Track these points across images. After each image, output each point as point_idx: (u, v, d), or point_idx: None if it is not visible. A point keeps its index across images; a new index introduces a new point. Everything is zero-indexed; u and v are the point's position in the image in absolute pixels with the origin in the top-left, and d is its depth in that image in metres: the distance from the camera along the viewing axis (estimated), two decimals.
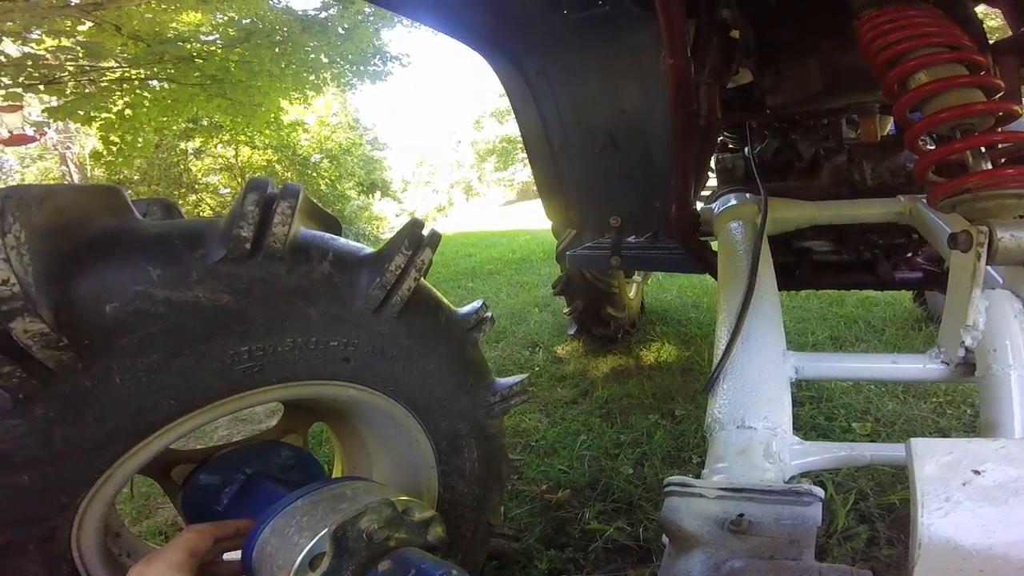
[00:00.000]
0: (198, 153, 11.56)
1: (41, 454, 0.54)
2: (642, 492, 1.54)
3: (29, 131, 6.58)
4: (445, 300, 0.87)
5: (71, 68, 4.92)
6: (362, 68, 7.70)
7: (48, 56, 4.87)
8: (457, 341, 0.89)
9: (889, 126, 1.81)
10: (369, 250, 0.74)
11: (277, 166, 11.99)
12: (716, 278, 1.49)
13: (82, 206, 0.52)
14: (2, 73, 4.52)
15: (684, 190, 1.44)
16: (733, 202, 1.52)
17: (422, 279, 0.78)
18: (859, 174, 1.57)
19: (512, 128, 33.01)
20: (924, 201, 1.30)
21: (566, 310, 2.58)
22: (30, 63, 4.48)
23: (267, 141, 11.42)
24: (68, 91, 5.01)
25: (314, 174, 12.71)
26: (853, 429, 1.78)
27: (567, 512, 1.50)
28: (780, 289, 1.16)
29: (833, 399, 1.98)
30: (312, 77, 7.43)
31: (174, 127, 9.05)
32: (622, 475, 1.62)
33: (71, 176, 15.07)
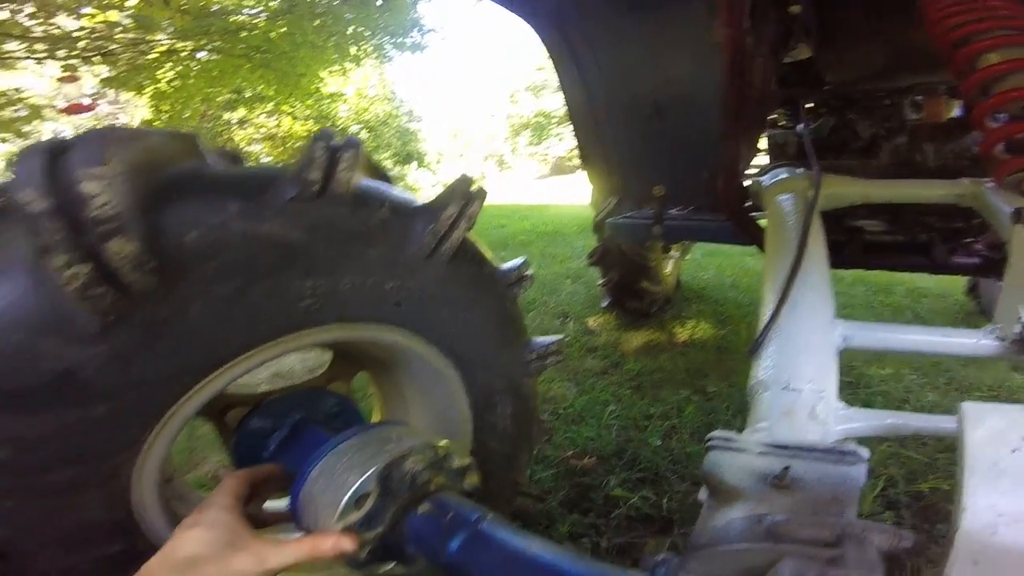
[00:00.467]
0: (241, 123, 11.86)
1: (119, 385, 0.56)
2: (669, 464, 1.55)
3: (85, 101, 6.89)
4: (489, 254, 0.90)
5: (123, 40, 5.09)
6: (400, 40, 7.70)
7: (102, 29, 5.04)
8: (499, 295, 0.91)
9: (956, 110, 1.74)
10: (423, 200, 0.76)
11: None
12: (762, 250, 1.50)
13: (166, 148, 0.56)
14: (60, 46, 4.71)
15: (733, 162, 1.43)
16: (784, 176, 1.50)
17: (470, 231, 0.80)
18: (920, 155, 1.55)
19: (547, 103, 32.50)
20: (988, 185, 1.27)
21: (600, 281, 2.57)
22: (84, 36, 4.66)
23: (308, 112, 11.60)
24: (120, 63, 5.20)
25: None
26: None
27: (592, 479, 1.52)
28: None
29: (872, 386, 1.93)
30: (353, 49, 7.49)
31: (219, 98, 9.31)
32: (650, 446, 1.64)
33: None
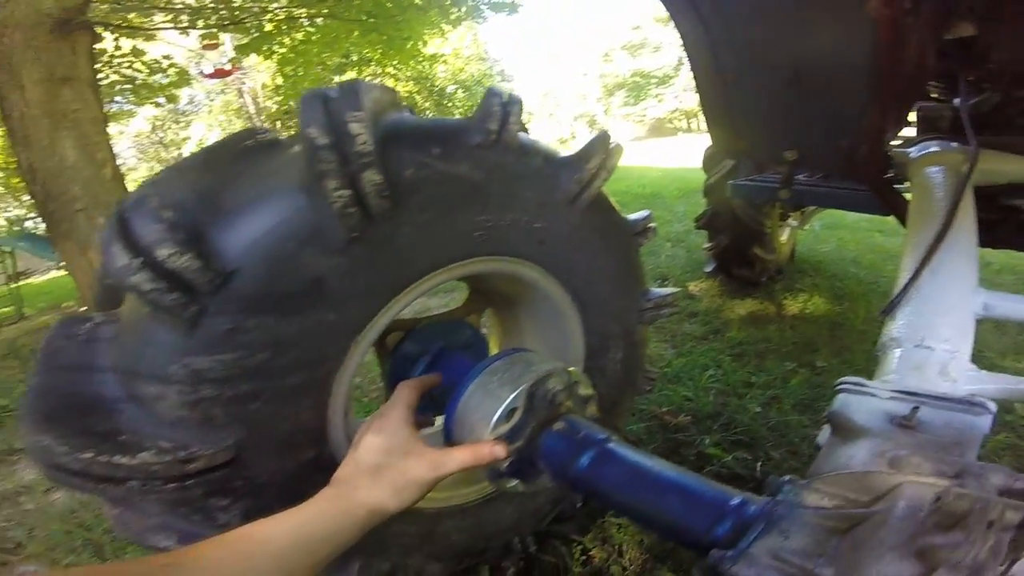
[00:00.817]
0: None
1: (348, 293, 0.64)
2: (767, 431, 1.54)
3: (227, 66, 7.67)
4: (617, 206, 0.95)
5: (251, 9, 5.54)
6: (496, 0, 7.61)
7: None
8: (625, 243, 0.97)
9: None
10: (568, 152, 0.85)
11: (417, 97, 12.60)
12: (900, 220, 1.51)
13: (385, 99, 0.68)
14: (202, 15, 5.22)
15: (880, 132, 1.38)
16: (935, 148, 1.46)
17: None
18: None
19: (645, 62, 30.65)
20: None
21: (707, 245, 2.51)
22: (221, 5, 5.14)
23: (409, 73, 11.97)
24: (252, 30, 5.69)
25: (450, 104, 13.18)
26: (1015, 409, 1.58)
27: (685, 436, 1.55)
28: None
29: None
30: (454, 10, 7.55)
31: (330, 62, 9.89)
32: (748, 412, 1.63)
33: (248, 107, 17.33)
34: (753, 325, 2.21)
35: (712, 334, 2.18)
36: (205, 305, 0.55)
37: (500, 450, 0.66)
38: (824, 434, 0.69)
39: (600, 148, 0.83)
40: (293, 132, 0.66)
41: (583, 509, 1.31)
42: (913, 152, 1.48)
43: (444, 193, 0.69)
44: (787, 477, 0.56)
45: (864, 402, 0.61)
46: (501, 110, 0.70)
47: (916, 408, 0.56)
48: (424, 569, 0.96)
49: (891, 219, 3.70)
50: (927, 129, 1.68)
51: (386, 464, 0.58)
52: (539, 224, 0.81)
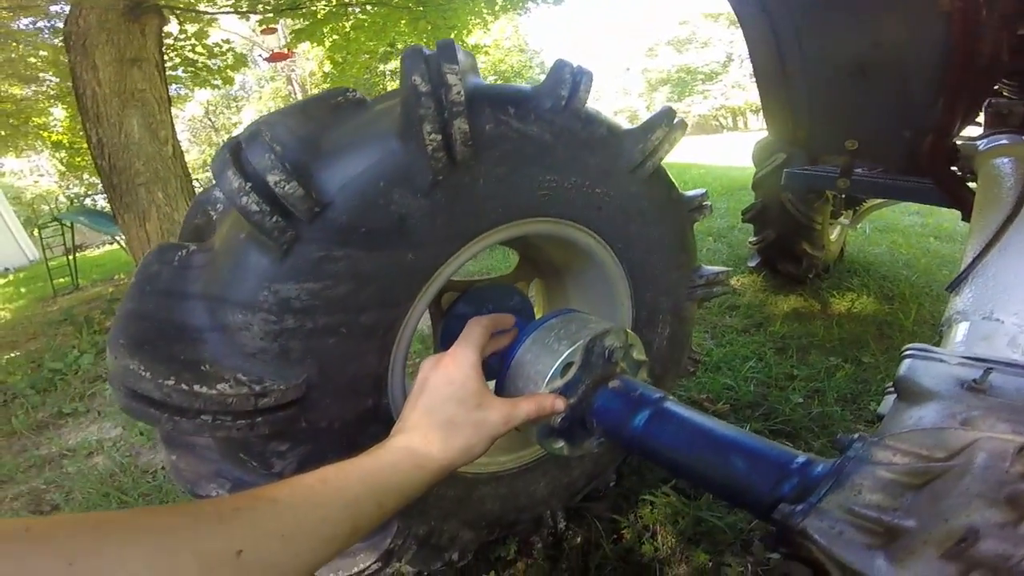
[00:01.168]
0: (394, 74, 12.76)
1: (426, 236, 0.67)
2: (808, 422, 1.51)
3: (285, 50, 7.91)
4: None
5: None
6: None
7: None
8: (680, 218, 0.97)
9: None
10: (632, 125, 0.87)
11: None
12: (963, 213, 1.49)
13: (469, 61, 0.72)
14: (260, 1, 5.38)
15: (948, 125, 1.39)
16: (1005, 142, 1.44)
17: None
18: None
19: (691, 58, 29.93)
20: None
21: (752, 239, 2.46)
22: None
23: None
24: (306, 16, 5.84)
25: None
26: None
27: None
28: None
29: None
30: (499, 0, 7.55)
31: (377, 51, 10.07)
32: (790, 403, 1.60)
33: (296, 94, 17.83)
34: (797, 320, 2.16)
35: (754, 327, 2.14)
36: (301, 232, 0.59)
37: (561, 402, 0.67)
38: (886, 403, 0.68)
39: (664, 122, 0.85)
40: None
41: (616, 488, 1.31)
42: (982, 145, 1.45)
43: (516, 150, 0.72)
44: (856, 435, 0.55)
45: (932, 367, 0.60)
46: (571, 79, 0.74)
47: (989, 371, 0.54)
48: (457, 535, 0.98)
49: (947, 225, 3.55)
50: (995, 124, 1.66)
51: (460, 417, 0.57)
52: (599, 190, 0.83)
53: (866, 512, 0.45)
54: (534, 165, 0.74)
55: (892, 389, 0.65)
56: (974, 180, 1.49)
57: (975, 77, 1.29)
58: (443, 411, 0.57)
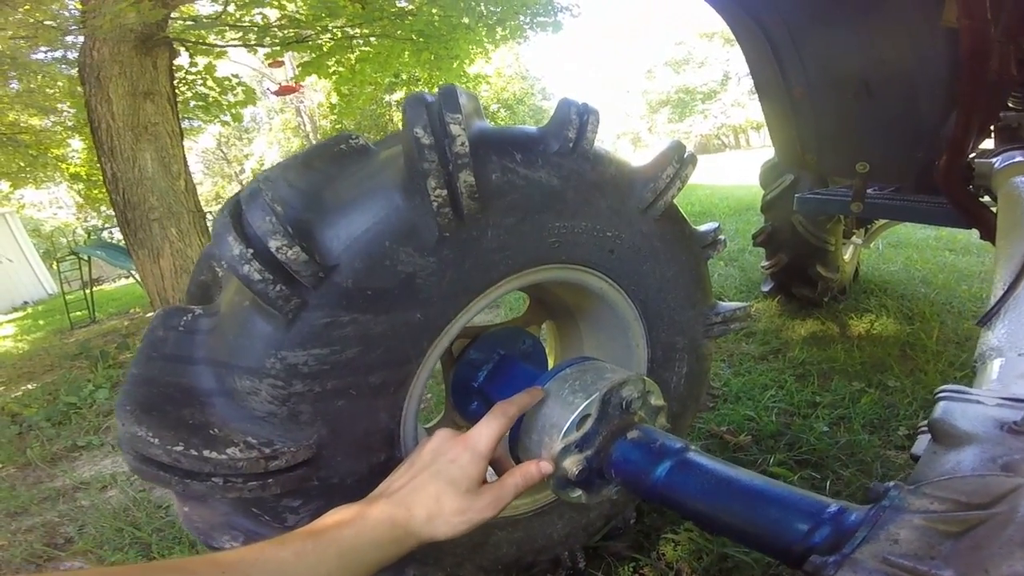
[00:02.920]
0: (399, 104, 13.03)
1: (434, 294, 0.65)
2: (835, 451, 1.46)
3: (292, 83, 8.12)
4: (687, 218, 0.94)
5: (314, 27, 5.83)
6: (541, 19, 7.73)
7: (300, 18, 5.82)
8: (694, 255, 0.95)
9: None
10: (641, 162, 0.85)
11: None
12: (983, 233, 1.45)
13: (471, 105, 0.70)
14: (268, 33, 5.53)
15: (962, 142, 1.37)
16: (1020, 159, 1.38)
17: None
18: None
19: (689, 78, 30.34)
20: None
21: (764, 263, 2.42)
22: (285, 24, 5.43)
23: None
24: (311, 49, 6.00)
25: (492, 123, 13.53)
26: None
27: (746, 455, 1.49)
28: None
29: None
30: (500, 30, 7.72)
31: (382, 81, 10.31)
32: (814, 431, 1.54)
33: (305, 125, 18.26)
34: (816, 345, 2.11)
35: (772, 354, 2.09)
36: (306, 298, 0.58)
37: (547, 466, 0.66)
38: (920, 444, 0.65)
39: (674, 158, 0.83)
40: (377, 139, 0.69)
41: (636, 525, 1.27)
42: (998, 163, 1.40)
43: (524, 198, 0.70)
44: (892, 483, 0.53)
45: (969, 409, 0.57)
46: (578, 119, 0.72)
47: None
48: None
49: (961, 237, 3.48)
50: (1006, 139, 1.61)
51: (448, 501, 0.56)
52: (611, 232, 0.81)
53: (902, 562, 0.43)
54: (543, 212, 0.72)
55: (925, 428, 0.63)
56: (989, 197, 1.47)
57: (987, 92, 1.27)
58: (434, 487, 0.57)
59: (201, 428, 0.60)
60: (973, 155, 1.47)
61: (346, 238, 0.59)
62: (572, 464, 0.69)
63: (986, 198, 1.48)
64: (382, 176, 0.62)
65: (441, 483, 0.57)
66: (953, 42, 1.27)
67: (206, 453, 0.58)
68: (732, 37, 1.71)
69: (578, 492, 0.72)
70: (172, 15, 3.88)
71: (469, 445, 0.60)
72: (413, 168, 0.60)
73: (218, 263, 0.67)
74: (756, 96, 1.77)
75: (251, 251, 0.54)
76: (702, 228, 0.98)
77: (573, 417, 0.67)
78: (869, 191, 1.77)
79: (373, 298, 0.61)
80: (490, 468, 0.65)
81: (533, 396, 0.71)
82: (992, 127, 1.66)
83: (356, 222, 0.59)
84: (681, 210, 0.92)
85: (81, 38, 3.45)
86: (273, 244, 0.54)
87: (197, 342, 0.61)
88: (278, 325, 0.58)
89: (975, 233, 1.53)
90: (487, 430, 0.62)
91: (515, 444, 0.74)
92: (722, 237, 1.00)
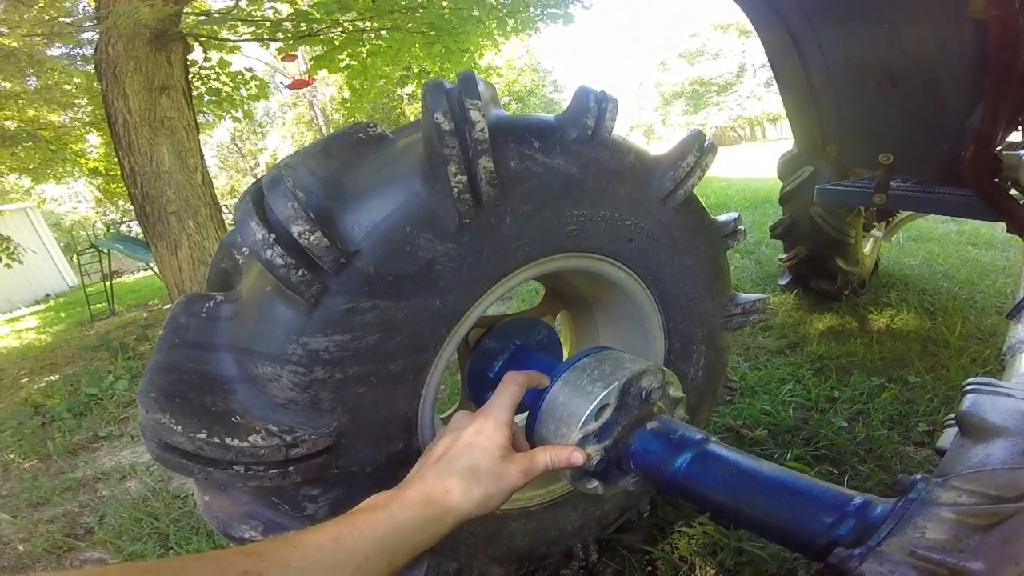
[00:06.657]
0: (411, 97, 13.02)
1: (453, 281, 0.65)
2: (854, 447, 1.44)
3: (306, 76, 8.14)
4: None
5: (325, 21, 5.83)
6: (553, 11, 7.65)
7: (311, 12, 5.83)
8: (714, 245, 0.94)
9: None
10: (661, 151, 0.83)
11: None
12: (1010, 225, 1.42)
13: (489, 92, 0.69)
14: (281, 28, 5.54)
15: (990, 134, 1.34)
16: None
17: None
18: None
19: (704, 70, 29.90)
20: None
21: (783, 256, 2.38)
22: (297, 18, 5.44)
23: None
24: (324, 43, 6.00)
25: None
26: None
27: (764, 449, 1.47)
28: None
29: None
30: (511, 22, 7.66)
31: (393, 75, 10.30)
32: (832, 426, 1.53)
33: (318, 119, 18.34)
34: (834, 339, 2.07)
35: (789, 348, 2.06)
36: (328, 284, 0.58)
37: (579, 456, 0.65)
38: (946, 437, 0.64)
39: (694, 147, 0.82)
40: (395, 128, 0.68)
41: (650, 518, 1.27)
42: None
43: (543, 185, 0.69)
44: (919, 475, 0.52)
45: (999, 402, 0.56)
46: (596, 107, 0.71)
47: None
48: (487, 571, 0.96)
49: (984, 231, 3.40)
50: None
51: (484, 466, 0.57)
52: (629, 221, 0.80)
53: (929, 555, 0.43)
54: (561, 200, 0.72)
55: (952, 422, 0.61)
56: (1017, 189, 1.44)
57: (1015, 84, 1.24)
58: (466, 458, 0.57)
59: (223, 415, 0.60)
60: (1000, 147, 1.43)
61: (367, 224, 0.59)
62: (590, 454, 0.68)
63: (1014, 191, 1.45)
64: (402, 163, 0.62)
65: (475, 454, 0.57)
66: (980, 32, 1.24)
67: (228, 441, 0.58)
68: (748, 29, 1.70)
69: (595, 483, 0.71)
70: (185, 10, 3.91)
71: (489, 415, 0.62)
72: (433, 154, 0.60)
73: (240, 249, 0.67)
74: (772, 88, 1.75)
75: (273, 236, 0.54)
76: (722, 218, 0.97)
77: (592, 407, 0.67)
78: (891, 183, 1.74)
79: (393, 284, 0.61)
80: None
81: (541, 379, 0.73)
82: (1020, 119, 1.62)
83: (376, 208, 0.59)
84: (699, 199, 0.91)
85: (96, 34, 3.49)
86: (295, 229, 0.54)
87: (219, 328, 0.62)
88: (299, 311, 0.58)
89: (998, 227, 1.50)
90: (501, 399, 0.64)
91: (532, 433, 0.73)
92: (742, 227, 0.98)
